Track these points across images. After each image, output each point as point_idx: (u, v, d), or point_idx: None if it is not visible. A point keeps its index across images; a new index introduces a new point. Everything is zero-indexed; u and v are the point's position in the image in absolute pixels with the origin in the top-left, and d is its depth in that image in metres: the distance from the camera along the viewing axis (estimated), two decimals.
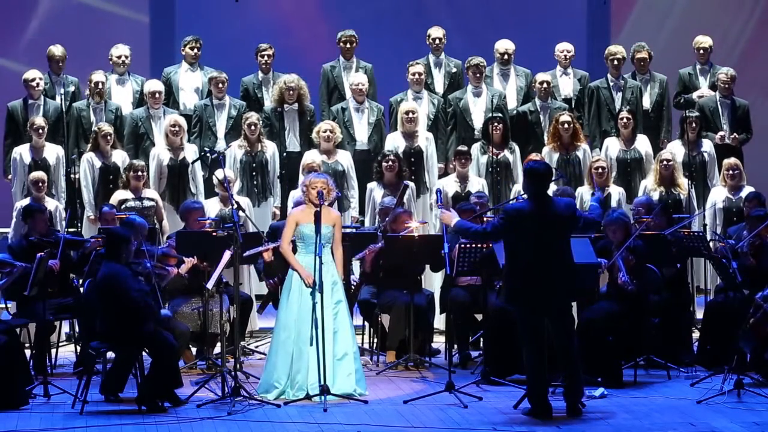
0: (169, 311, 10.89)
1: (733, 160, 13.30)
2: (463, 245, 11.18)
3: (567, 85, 14.40)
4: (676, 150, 13.58)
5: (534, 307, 9.57)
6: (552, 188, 12.32)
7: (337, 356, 10.24)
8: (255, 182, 13.49)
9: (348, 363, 10.27)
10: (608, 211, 11.52)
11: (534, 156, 13.15)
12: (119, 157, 13.29)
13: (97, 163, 13.27)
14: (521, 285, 9.57)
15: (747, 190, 13.09)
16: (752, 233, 11.09)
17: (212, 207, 12.82)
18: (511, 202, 12.27)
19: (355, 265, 12.35)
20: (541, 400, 9.60)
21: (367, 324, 12.18)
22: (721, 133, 13.92)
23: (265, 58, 14.21)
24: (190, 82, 14.22)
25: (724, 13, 16.46)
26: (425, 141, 13.69)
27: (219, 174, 11.91)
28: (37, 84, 13.61)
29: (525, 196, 12.11)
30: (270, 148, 13.58)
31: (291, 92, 13.76)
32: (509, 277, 9.67)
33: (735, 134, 13.96)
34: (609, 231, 10.90)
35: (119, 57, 14.06)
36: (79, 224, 13.21)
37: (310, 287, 10.18)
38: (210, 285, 10.69)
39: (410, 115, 13.57)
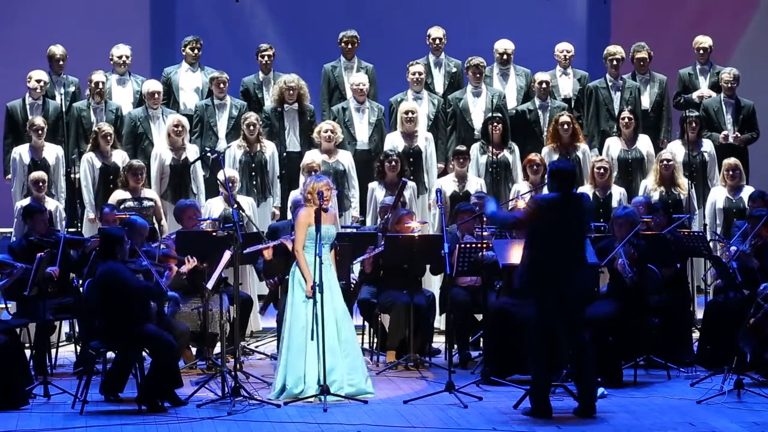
0: (178, 294, 10.75)
1: (732, 160, 13.30)
2: (463, 245, 11.19)
3: (567, 85, 14.40)
4: (676, 150, 13.58)
5: (553, 301, 9.53)
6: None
7: (343, 357, 10.25)
8: (254, 182, 13.49)
9: (353, 363, 10.27)
10: (617, 208, 11.54)
11: (533, 156, 13.17)
12: (119, 157, 13.29)
13: (97, 163, 13.27)
14: (543, 279, 9.53)
15: (747, 190, 13.09)
16: (751, 233, 11.08)
17: (216, 206, 12.83)
18: (510, 202, 12.27)
19: (355, 265, 12.35)
20: (543, 400, 9.59)
21: (367, 324, 12.19)
22: (724, 132, 13.92)
23: (266, 58, 14.21)
24: (190, 82, 14.22)
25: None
26: (424, 141, 13.69)
27: (220, 175, 11.91)
28: (42, 86, 13.60)
29: (524, 196, 12.24)
30: (269, 148, 13.58)
31: (291, 92, 13.77)
32: (530, 269, 9.61)
33: (738, 133, 13.96)
34: (615, 225, 10.90)
35: (120, 57, 14.06)
36: (79, 224, 13.21)
37: (309, 297, 10.21)
38: (210, 285, 10.69)
39: (410, 115, 13.57)
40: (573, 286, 9.57)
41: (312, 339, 10.10)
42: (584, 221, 9.75)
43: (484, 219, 11.27)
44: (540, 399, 9.58)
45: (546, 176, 9.89)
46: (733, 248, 11.07)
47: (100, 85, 13.69)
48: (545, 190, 12.64)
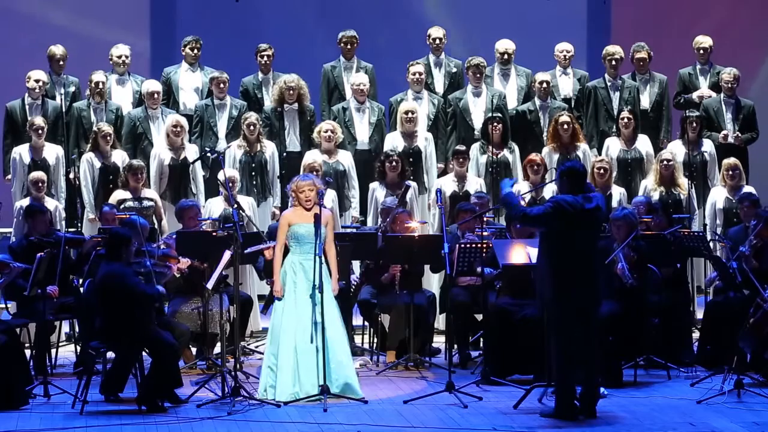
0: (163, 288, 10.66)
1: (732, 160, 13.29)
2: (463, 245, 11.18)
3: (567, 84, 14.40)
4: (676, 150, 13.58)
5: (580, 304, 9.47)
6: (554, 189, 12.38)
7: (336, 357, 10.25)
8: (254, 182, 13.50)
9: (339, 363, 10.27)
10: (615, 209, 11.53)
11: (534, 156, 13.17)
12: (119, 157, 13.29)
13: (97, 164, 13.28)
14: (569, 282, 9.44)
15: (747, 190, 13.07)
16: (752, 233, 11.07)
17: (216, 206, 12.83)
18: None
19: (355, 265, 12.36)
20: (571, 401, 9.51)
21: (367, 324, 12.19)
22: (724, 132, 13.92)
23: (265, 58, 14.22)
24: (190, 82, 14.22)
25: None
26: (424, 141, 13.70)
27: (220, 175, 11.92)
28: (41, 86, 13.59)
29: (525, 196, 12.23)
30: (269, 148, 13.59)
31: (291, 92, 13.77)
32: (554, 274, 9.48)
33: (738, 133, 13.96)
34: (614, 227, 10.89)
35: (119, 57, 14.06)
36: (79, 224, 13.20)
37: (278, 299, 10.25)
38: (210, 285, 10.69)
39: (410, 115, 13.57)
40: (592, 288, 9.55)
41: (312, 342, 10.12)
42: (600, 225, 9.71)
43: (485, 219, 11.27)
44: (569, 400, 9.50)
45: (557, 177, 9.80)
46: (741, 248, 11.01)
47: (100, 85, 13.69)
48: (547, 189, 12.68)
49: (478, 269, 10.93)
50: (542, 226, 9.60)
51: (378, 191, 13.16)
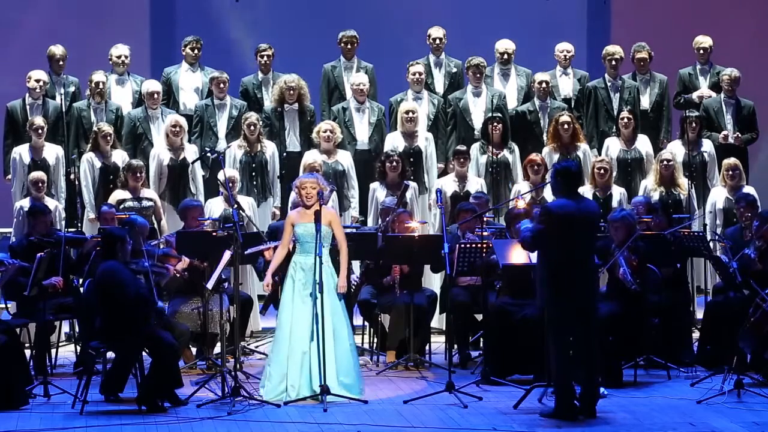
0: (166, 306, 10.66)
1: (732, 160, 13.29)
2: (463, 245, 11.18)
3: (567, 85, 14.40)
4: (676, 150, 13.58)
5: (576, 306, 9.47)
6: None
7: (339, 357, 10.25)
8: (255, 182, 13.50)
9: (346, 363, 10.27)
10: (614, 209, 11.51)
11: (534, 156, 13.17)
12: (119, 157, 13.30)
13: (97, 163, 13.28)
14: (565, 284, 9.44)
15: (747, 190, 13.06)
16: (755, 235, 11.06)
17: (216, 206, 12.83)
18: (510, 203, 12.26)
19: (355, 265, 12.35)
20: (571, 402, 9.52)
21: (367, 324, 12.19)
22: (724, 132, 13.92)
23: (265, 58, 14.22)
24: (190, 82, 14.22)
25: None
26: (425, 141, 13.70)
27: (220, 175, 11.92)
28: (41, 86, 13.59)
29: (524, 196, 12.23)
30: (269, 148, 13.59)
31: (291, 92, 13.77)
32: (552, 274, 9.48)
33: (738, 134, 13.96)
34: (612, 228, 10.88)
35: (119, 57, 14.06)
36: (79, 224, 13.20)
37: (270, 295, 10.29)
38: (210, 285, 10.69)
39: (410, 115, 13.58)
40: (590, 289, 9.55)
41: (312, 339, 10.13)
42: (595, 223, 9.71)
43: (485, 219, 11.27)
44: (569, 401, 9.50)
45: (551, 176, 9.80)
46: (746, 251, 10.99)
47: (101, 85, 13.69)
48: (547, 190, 12.67)
49: (492, 257, 10.87)
50: (546, 242, 9.56)
51: (378, 191, 13.17)
